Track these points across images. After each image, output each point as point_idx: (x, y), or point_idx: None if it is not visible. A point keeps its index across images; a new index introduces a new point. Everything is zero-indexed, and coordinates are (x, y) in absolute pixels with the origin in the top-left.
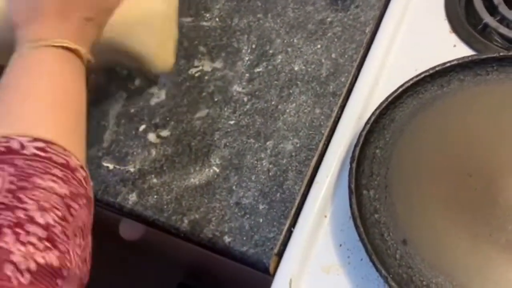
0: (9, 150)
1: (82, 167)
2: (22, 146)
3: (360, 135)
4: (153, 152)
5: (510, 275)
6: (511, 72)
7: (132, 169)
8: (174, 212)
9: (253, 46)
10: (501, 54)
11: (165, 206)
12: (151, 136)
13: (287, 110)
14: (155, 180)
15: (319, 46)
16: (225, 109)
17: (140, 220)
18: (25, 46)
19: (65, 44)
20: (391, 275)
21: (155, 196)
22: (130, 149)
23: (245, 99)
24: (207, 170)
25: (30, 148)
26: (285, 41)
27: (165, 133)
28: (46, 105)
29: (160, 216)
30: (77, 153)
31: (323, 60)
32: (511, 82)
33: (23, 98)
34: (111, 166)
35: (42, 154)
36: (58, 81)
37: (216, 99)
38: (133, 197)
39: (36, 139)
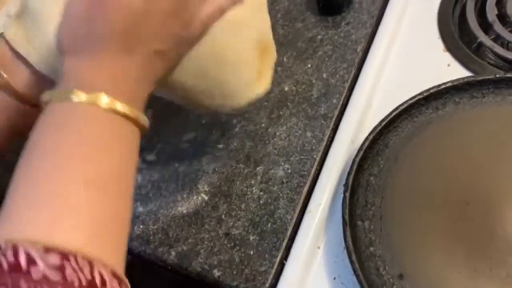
0: (14, 267)
1: (114, 274)
2: (31, 261)
3: (354, 162)
4: (139, 177)
5: None
6: (508, 94)
7: None
8: (161, 243)
9: None
10: (497, 76)
11: (151, 237)
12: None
13: (278, 133)
14: (141, 209)
15: (309, 65)
16: (214, 132)
17: None
18: (66, 92)
19: (119, 109)
20: None
21: (141, 226)
22: None
23: (234, 121)
24: (195, 197)
25: (41, 265)
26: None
27: (151, 157)
28: (73, 193)
29: (146, 247)
30: (111, 255)
31: (313, 80)
32: (508, 105)
33: (45, 180)
34: None
35: (55, 276)
36: (101, 158)
37: (204, 122)
38: None
39: (49, 250)
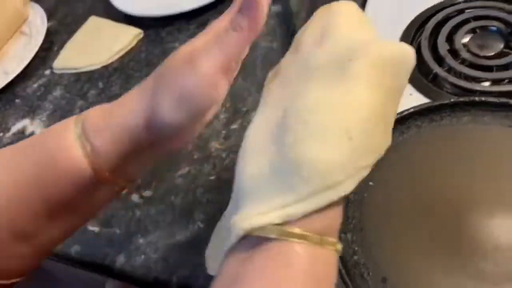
0: None
1: None
2: None
3: None
4: (137, 212)
5: None
6: (462, 116)
7: (117, 231)
8: (163, 270)
9: (227, 104)
10: (452, 100)
11: (153, 266)
12: (135, 197)
13: None
14: (141, 240)
15: None
16: (205, 165)
17: (130, 281)
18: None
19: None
20: None
21: (143, 256)
22: (115, 211)
23: (224, 154)
24: (191, 226)
25: None
26: (257, 99)
27: (148, 193)
28: None
29: (148, 276)
30: None
31: None
32: (463, 126)
33: None
34: (97, 230)
35: None
36: None
37: (195, 157)
38: (120, 259)
39: None
